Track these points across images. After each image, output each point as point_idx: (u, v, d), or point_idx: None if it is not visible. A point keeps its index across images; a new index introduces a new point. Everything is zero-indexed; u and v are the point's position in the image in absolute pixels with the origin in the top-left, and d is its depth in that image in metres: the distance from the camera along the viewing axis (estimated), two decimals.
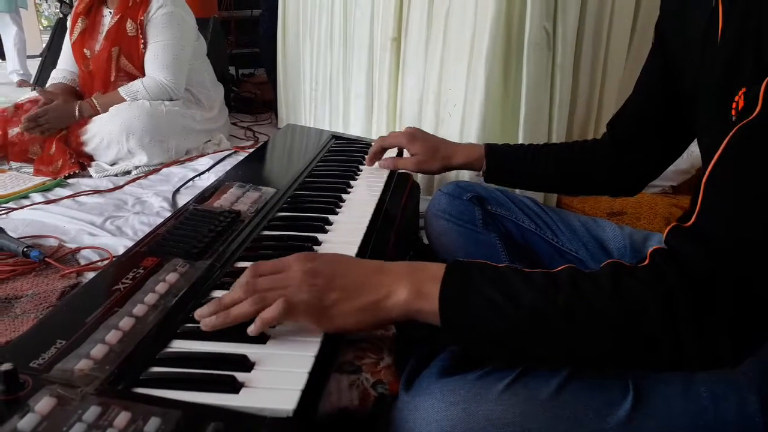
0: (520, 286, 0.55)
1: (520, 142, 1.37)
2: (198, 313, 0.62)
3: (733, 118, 0.59)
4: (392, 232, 1.00)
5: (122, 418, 0.48)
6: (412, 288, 0.58)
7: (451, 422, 0.54)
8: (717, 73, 0.63)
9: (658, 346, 0.51)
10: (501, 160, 1.04)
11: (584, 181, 1.02)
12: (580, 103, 1.47)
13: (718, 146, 0.63)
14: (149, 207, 1.55)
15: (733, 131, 0.52)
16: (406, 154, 1.15)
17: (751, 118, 0.50)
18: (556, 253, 0.97)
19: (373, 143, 1.20)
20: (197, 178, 1.75)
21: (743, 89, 0.57)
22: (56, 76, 2.11)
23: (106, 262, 1.20)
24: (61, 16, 2.88)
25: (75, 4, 2.13)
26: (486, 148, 1.04)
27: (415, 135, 1.11)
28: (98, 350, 0.56)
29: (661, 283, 0.51)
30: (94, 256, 1.23)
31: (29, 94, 2.11)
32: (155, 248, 0.78)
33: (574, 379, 0.57)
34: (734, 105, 0.58)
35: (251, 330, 0.58)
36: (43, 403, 0.48)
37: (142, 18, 1.96)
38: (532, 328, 0.54)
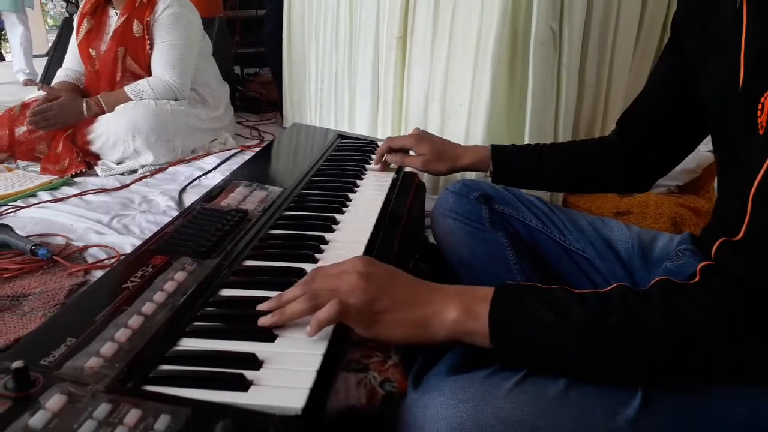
0: (570, 305, 0.55)
1: (526, 140, 1.37)
2: (259, 307, 0.63)
3: (760, 123, 0.59)
4: (398, 231, 1.00)
5: (132, 415, 0.48)
6: (462, 308, 0.58)
7: (460, 419, 0.54)
8: (739, 76, 0.62)
9: (715, 363, 0.51)
10: (507, 161, 1.04)
11: (592, 180, 1.02)
12: (586, 103, 1.47)
13: (741, 151, 0.63)
14: (156, 206, 1.55)
15: None
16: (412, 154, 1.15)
17: None
18: (563, 251, 0.97)
19: (380, 144, 1.20)
20: (203, 176, 1.76)
21: None
22: (62, 75, 2.12)
23: (113, 260, 1.21)
24: (67, 15, 2.89)
25: (81, 3, 2.14)
26: (492, 150, 1.04)
27: (423, 137, 1.12)
28: (108, 348, 0.56)
29: (716, 301, 0.51)
30: (102, 255, 1.23)
31: (36, 93, 2.12)
32: (164, 247, 0.78)
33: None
34: (760, 107, 0.58)
35: (308, 332, 0.59)
36: (54, 401, 0.49)
37: (148, 19, 1.96)
38: (584, 348, 0.54)
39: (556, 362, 0.56)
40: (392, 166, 1.19)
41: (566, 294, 0.57)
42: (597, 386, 0.57)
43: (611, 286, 0.57)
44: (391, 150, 1.16)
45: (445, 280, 1.11)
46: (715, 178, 1.48)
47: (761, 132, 0.58)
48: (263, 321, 0.61)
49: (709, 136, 0.89)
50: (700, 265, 0.55)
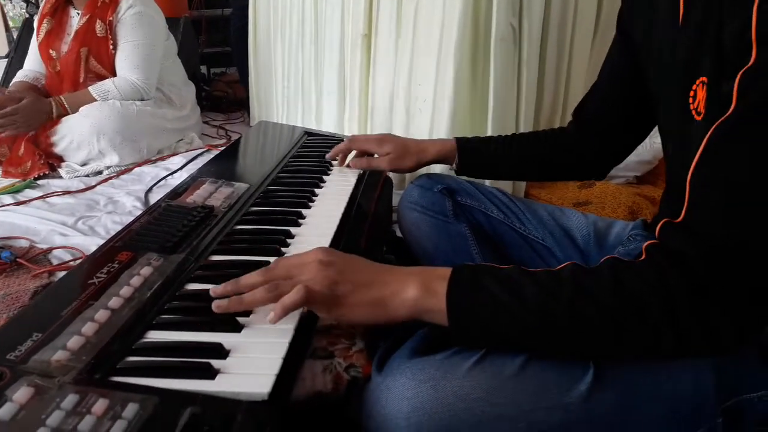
0: (524, 283, 0.58)
1: (489, 134, 1.40)
2: (213, 290, 0.64)
3: (692, 108, 0.63)
4: (365, 226, 1.01)
5: (100, 405, 0.49)
6: (421, 286, 0.60)
7: (421, 399, 0.57)
8: (676, 61, 0.66)
9: (661, 338, 0.54)
10: (472, 153, 1.06)
11: (552, 168, 1.06)
12: (546, 96, 1.51)
13: (682, 139, 0.67)
14: (121, 206, 1.54)
15: (713, 127, 0.54)
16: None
17: (727, 115, 0.53)
18: (523, 241, 1.01)
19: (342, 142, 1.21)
20: (170, 176, 1.74)
21: (701, 78, 0.60)
22: (20, 75, 2.08)
23: (78, 261, 1.20)
24: (27, 16, 2.83)
25: (41, 4, 2.10)
26: (456, 142, 1.07)
27: (384, 138, 1.11)
28: (75, 342, 0.57)
29: (660, 276, 0.54)
30: (66, 256, 1.22)
31: None
32: (129, 243, 0.79)
33: (538, 356, 0.60)
34: (692, 93, 0.62)
35: (271, 318, 0.60)
36: (21, 393, 0.49)
37: (111, 18, 1.93)
38: (539, 325, 0.56)
39: (510, 338, 0.58)
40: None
41: (520, 273, 0.59)
42: (552, 364, 0.59)
43: (563, 265, 0.60)
44: (350, 151, 1.16)
45: None
46: None
47: (698, 119, 0.62)
48: (219, 304, 0.62)
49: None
50: (646, 243, 0.58)
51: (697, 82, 0.62)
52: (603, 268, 0.58)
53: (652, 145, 1.51)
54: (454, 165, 1.08)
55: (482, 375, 0.58)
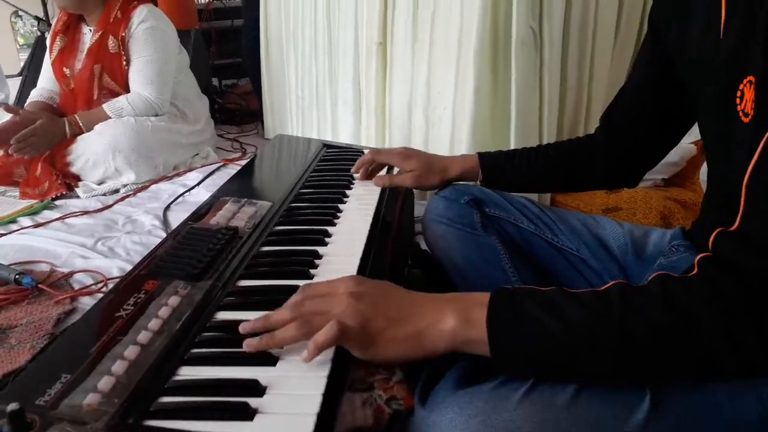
0: (569, 305, 0.54)
1: (512, 142, 1.37)
2: (243, 328, 0.61)
3: (739, 110, 0.59)
4: (390, 240, 0.99)
5: None
6: (459, 316, 0.57)
7: None
8: (720, 63, 0.63)
9: (718, 355, 0.51)
10: (496, 167, 1.03)
11: (581, 179, 1.02)
12: (569, 101, 1.48)
13: (728, 140, 0.64)
14: (140, 225, 1.53)
15: None
16: (395, 170, 1.14)
17: None
18: (556, 252, 0.97)
19: (364, 154, 1.18)
20: (187, 193, 1.73)
21: (749, 77, 0.57)
22: (35, 95, 2.08)
23: (100, 284, 1.18)
24: (39, 34, 2.84)
25: (53, 21, 2.10)
26: (480, 157, 1.04)
27: (409, 153, 1.09)
28: (105, 383, 0.55)
29: (715, 290, 0.51)
30: (88, 280, 1.21)
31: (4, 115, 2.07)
32: (155, 270, 0.76)
33: (590, 384, 0.57)
34: (739, 94, 0.58)
35: (304, 357, 0.57)
36: None
37: (123, 34, 1.93)
38: (586, 349, 0.53)
39: (557, 365, 0.55)
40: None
41: (564, 295, 0.56)
42: (606, 392, 0.56)
43: (609, 284, 0.57)
44: (374, 162, 1.14)
45: (440, 285, 1.12)
46: (699, 170, 1.50)
47: (745, 120, 0.59)
48: (250, 343, 0.59)
49: (694, 127, 0.90)
50: (698, 257, 0.55)
51: (744, 81, 0.59)
52: (653, 285, 0.54)
53: (679, 147, 1.47)
54: (478, 182, 1.06)
55: (533, 407, 0.55)
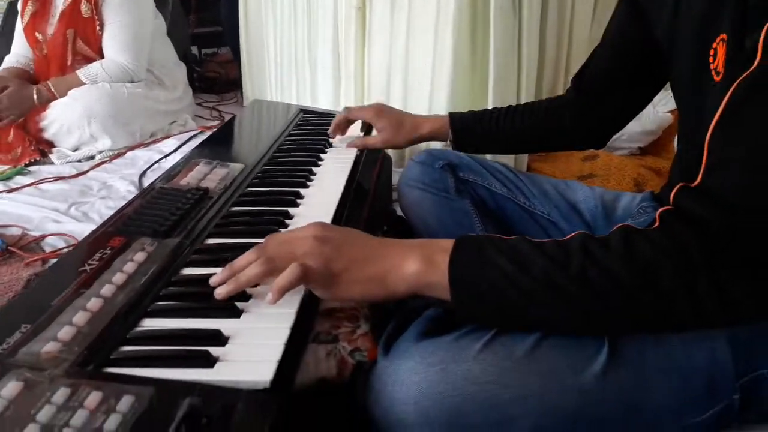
0: (531, 254, 0.54)
1: (489, 106, 1.37)
2: (212, 281, 0.61)
3: (712, 69, 0.59)
4: (365, 205, 0.99)
5: (93, 398, 0.47)
6: (422, 259, 0.57)
7: (429, 383, 0.54)
8: (693, 21, 0.62)
9: (676, 306, 0.51)
10: (466, 127, 1.03)
11: (550, 139, 1.02)
12: (547, 66, 1.47)
13: (697, 96, 0.64)
14: (115, 191, 1.51)
15: (735, 85, 0.51)
16: (373, 131, 1.14)
17: (751, 70, 0.49)
18: (528, 216, 0.98)
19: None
20: (163, 159, 1.71)
21: (721, 35, 0.56)
22: (10, 61, 2.03)
23: (71, 247, 1.17)
24: None
25: None
26: (450, 117, 1.04)
27: (382, 110, 1.09)
28: (66, 332, 0.54)
29: (675, 243, 0.51)
30: (60, 243, 1.20)
31: None
32: (122, 228, 0.76)
33: (550, 336, 0.58)
34: (712, 53, 0.58)
35: (269, 300, 0.57)
36: (9, 388, 0.47)
37: None
38: (546, 296, 0.53)
39: (515, 313, 0.55)
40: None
41: (527, 243, 0.56)
42: (565, 344, 0.57)
43: (571, 234, 0.57)
44: (349, 121, 1.13)
45: None
46: (675, 138, 1.51)
47: (717, 79, 0.59)
48: (219, 291, 0.59)
49: (665, 93, 0.90)
50: (660, 210, 0.55)
51: (717, 40, 0.59)
52: (614, 236, 0.54)
53: (656, 115, 1.48)
54: (448, 141, 1.05)
55: (493, 357, 0.55)
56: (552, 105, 0.99)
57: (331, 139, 1.16)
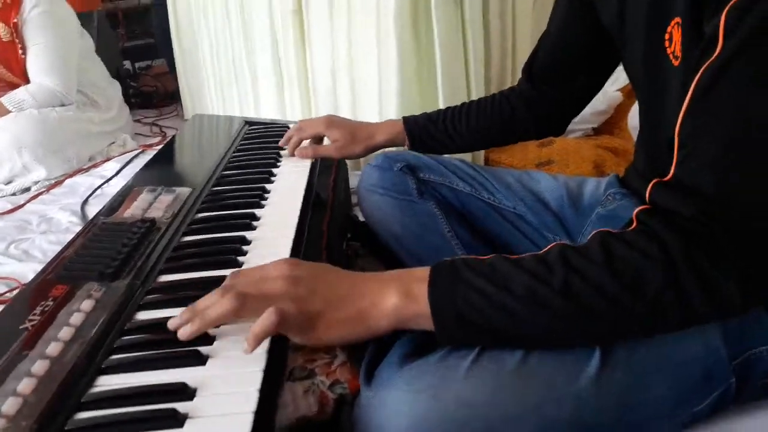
0: (510, 272, 0.52)
1: (440, 101, 1.35)
2: (171, 324, 0.56)
3: (669, 53, 0.58)
4: (326, 215, 0.94)
5: None
6: (400, 292, 0.54)
7: (420, 411, 0.51)
8: (642, 6, 0.61)
9: (665, 310, 0.49)
10: (422, 131, 1.00)
11: (508, 131, 1.00)
12: (494, 54, 1.46)
13: (656, 80, 0.62)
14: (57, 224, 1.42)
15: (700, 73, 0.49)
16: (326, 141, 1.09)
17: (714, 57, 0.48)
18: (494, 211, 0.96)
19: (289, 129, 1.12)
20: (105, 185, 1.62)
21: (676, 19, 0.55)
22: None
23: (15, 291, 1.09)
24: None
25: None
26: (404, 122, 1.01)
27: (333, 121, 1.06)
28: (10, 405, 0.48)
29: (654, 243, 0.49)
30: (2, 287, 1.11)
31: None
32: (63, 274, 0.69)
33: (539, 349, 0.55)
34: (667, 36, 0.57)
35: (246, 349, 0.53)
36: None
37: (15, 20, 1.77)
38: (531, 314, 0.51)
39: (502, 334, 0.53)
40: None
41: (504, 262, 0.54)
42: (554, 352, 0.55)
43: (548, 246, 0.55)
44: (301, 141, 1.09)
45: (381, 256, 1.08)
46: (627, 117, 1.52)
47: (675, 63, 0.57)
48: (183, 332, 0.55)
49: (618, 73, 0.89)
50: (636, 210, 0.54)
51: (672, 23, 0.57)
52: (593, 245, 0.52)
53: (605, 94, 1.48)
54: (405, 147, 1.03)
55: (483, 374, 0.52)
56: (505, 98, 0.98)
57: (282, 151, 1.11)
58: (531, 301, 0.51)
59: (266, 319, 0.52)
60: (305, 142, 1.09)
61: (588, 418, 0.54)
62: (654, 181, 0.54)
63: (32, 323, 0.60)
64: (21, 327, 0.59)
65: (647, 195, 0.54)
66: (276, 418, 0.51)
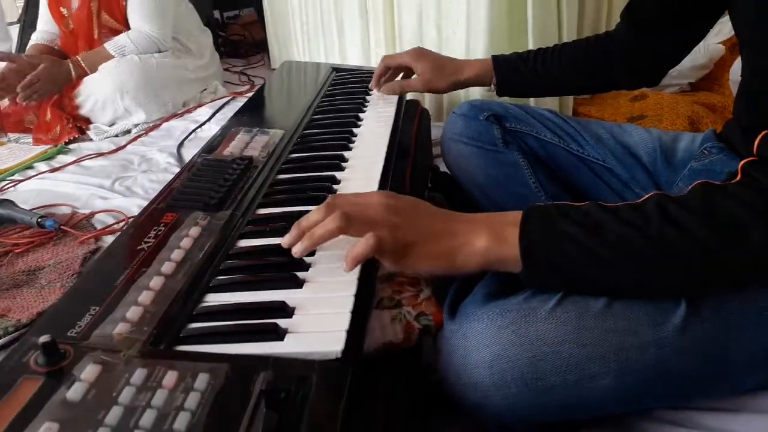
0: (605, 221, 0.52)
1: (530, 48, 1.30)
2: (284, 241, 0.60)
3: None
4: (409, 163, 0.97)
5: (170, 377, 0.47)
6: (491, 234, 0.55)
7: (502, 346, 0.53)
8: None
9: (765, 263, 0.49)
10: (511, 69, 0.98)
11: (601, 77, 0.97)
12: (588, 1, 1.39)
13: (762, 29, 0.59)
14: (156, 164, 1.52)
15: None
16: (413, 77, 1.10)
17: None
18: (582, 164, 0.94)
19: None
20: (199, 129, 1.70)
21: None
22: (36, 38, 2.03)
23: (122, 223, 1.19)
24: None
25: None
26: (493, 60, 0.99)
27: (421, 53, 1.06)
28: (133, 312, 0.55)
29: (761, 196, 0.48)
30: (110, 219, 1.21)
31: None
32: (172, 203, 0.75)
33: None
34: None
35: (344, 268, 0.56)
36: (89, 371, 0.47)
37: None
38: (624, 264, 0.51)
39: (593, 283, 0.53)
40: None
41: (599, 209, 0.53)
42: (640, 298, 0.55)
43: (646, 196, 0.54)
44: (388, 69, 1.10)
45: (461, 207, 1.09)
46: (729, 72, 1.43)
47: None
48: (296, 250, 0.58)
49: (720, 24, 0.84)
50: (742, 162, 0.52)
51: None
52: (693, 195, 0.51)
53: (706, 48, 1.39)
54: (492, 86, 1.01)
55: (566, 315, 0.54)
56: (601, 43, 0.94)
57: (371, 90, 1.13)
58: (625, 250, 0.51)
59: (365, 242, 0.55)
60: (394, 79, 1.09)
61: (671, 366, 0.54)
62: (764, 132, 0.51)
63: (148, 245, 0.66)
64: (138, 248, 0.66)
65: (755, 147, 0.52)
66: (365, 340, 0.55)
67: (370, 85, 1.12)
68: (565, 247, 0.52)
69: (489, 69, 0.99)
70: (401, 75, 1.14)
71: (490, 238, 0.55)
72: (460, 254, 0.56)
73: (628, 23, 0.91)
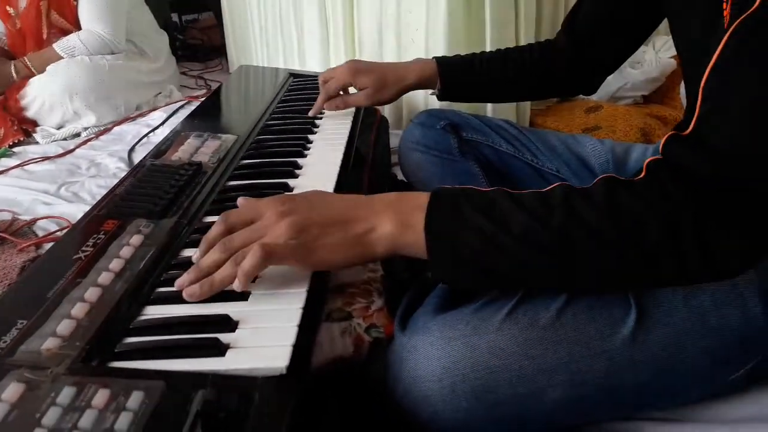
0: (509, 209, 0.51)
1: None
2: (178, 283, 0.56)
3: (725, 16, 0.55)
4: (366, 171, 0.95)
5: (101, 396, 0.44)
6: (397, 219, 0.53)
7: (452, 358, 0.52)
8: None
9: (661, 262, 0.48)
10: (455, 74, 0.97)
11: (541, 83, 0.98)
12: (545, 10, 1.41)
13: (704, 43, 0.60)
14: (105, 169, 1.46)
15: (731, 30, 0.47)
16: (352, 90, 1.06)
17: (750, 11, 0.45)
18: (537, 174, 0.95)
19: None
20: (152, 133, 1.65)
21: None
22: None
23: (65, 231, 1.13)
24: None
25: None
26: (438, 64, 0.97)
27: (358, 68, 0.99)
28: (65, 326, 0.51)
29: (661, 195, 0.48)
30: (53, 226, 1.16)
31: None
32: (114, 210, 0.72)
33: (574, 301, 0.55)
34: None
35: (236, 287, 0.53)
36: (10, 390, 0.44)
37: None
38: (526, 255, 0.50)
39: (497, 273, 0.52)
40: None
41: (505, 197, 0.52)
42: (590, 308, 0.55)
43: (553, 185, 0.53)
44: (331, 96, 1.03)
45: None
46: (679, 86, 1.47)
47: (725, 26, 0.55)
48: (190, 294, 0.54)
49: (667, 37, 0.86)
50: (648, 160, 0.51)
51: None
52: (597, 188, 0.51)
53: (658, 61, 1.43)
54: (436, 89, 0.99)
55: (516, 327, 0.53)
56: (542, 49, 0.95)
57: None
58: (528, 242, 0.49)
59: (250, 257, 0.52)
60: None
61: (622, 377, 0.54)
62: (671, 132, 0.52)
63: (85, 254, 0.63)
64: (75, 257, 0.62)
65: (661, 146, 0.52)
66: (313, 354, 0.53)
67: (309, 113, 1.05)
68: (470, 240, 0.50)
69: (432, 72, 0.97)
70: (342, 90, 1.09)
71: (395, 225, 0.53)
72: (367, 241, 0.54)
73: (567, 33, 0.93)
